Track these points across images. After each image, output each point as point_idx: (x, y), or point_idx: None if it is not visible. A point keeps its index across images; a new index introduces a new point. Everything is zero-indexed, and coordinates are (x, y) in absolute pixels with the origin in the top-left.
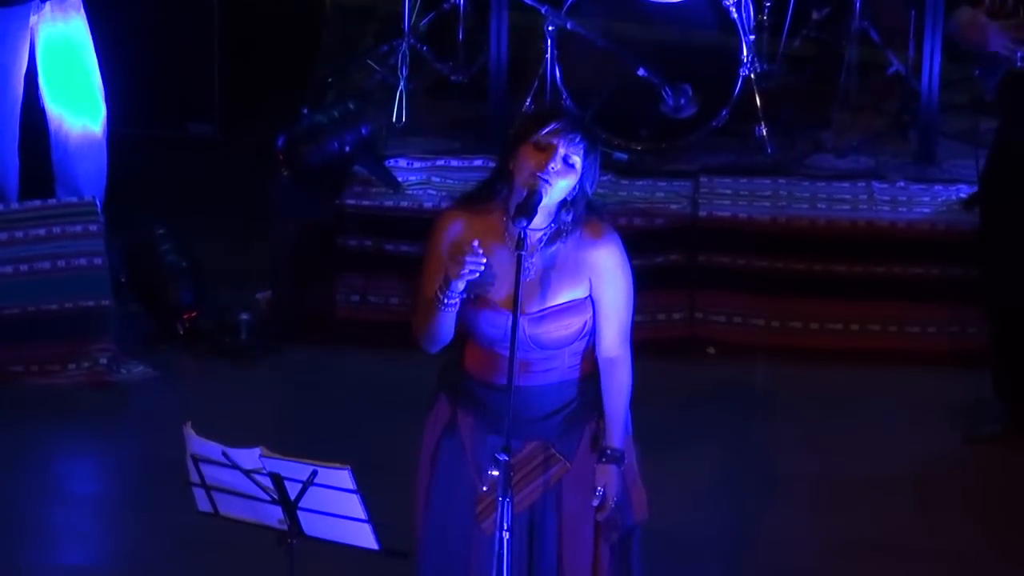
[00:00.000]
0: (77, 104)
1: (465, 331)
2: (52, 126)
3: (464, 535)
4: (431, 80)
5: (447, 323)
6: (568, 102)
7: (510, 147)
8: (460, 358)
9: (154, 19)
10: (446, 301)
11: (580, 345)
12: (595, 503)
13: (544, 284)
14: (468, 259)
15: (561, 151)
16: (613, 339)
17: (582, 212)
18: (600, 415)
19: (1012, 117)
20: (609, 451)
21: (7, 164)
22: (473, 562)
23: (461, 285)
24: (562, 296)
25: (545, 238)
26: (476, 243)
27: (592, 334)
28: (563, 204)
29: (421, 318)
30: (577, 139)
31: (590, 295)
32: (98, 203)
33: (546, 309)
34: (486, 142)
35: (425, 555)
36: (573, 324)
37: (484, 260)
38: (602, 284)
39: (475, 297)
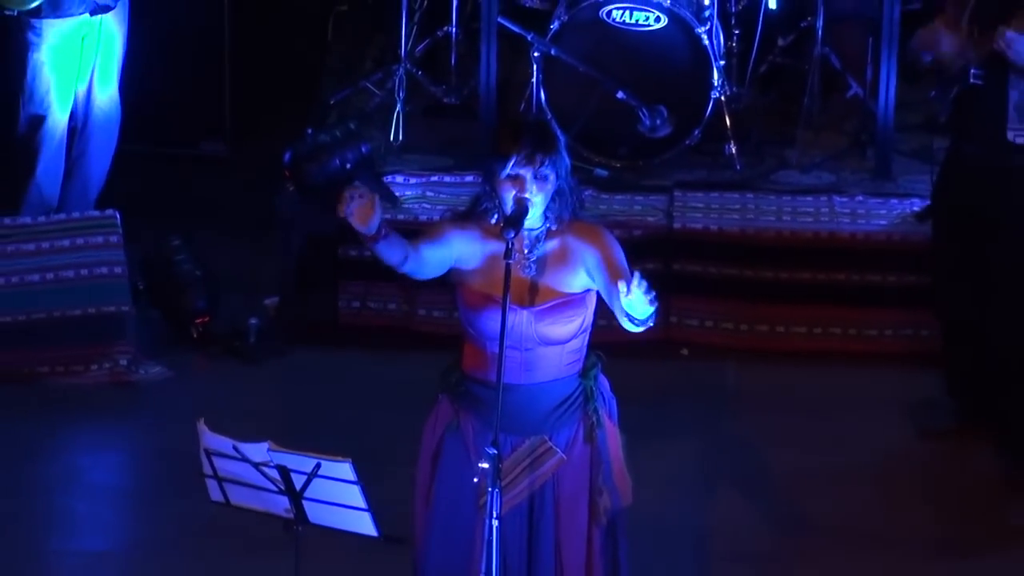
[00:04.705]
0: (105, 93)
1: (466, 330)
2: (78, 106)
3: (468, 528)
4: (426, 102)
5: (387, 254)
6: (553, 122)
7: (489, 178)
8: (459, 361)
9: (168, 45)
10: (371, 241)
11: (577, 343)
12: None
13: (545, 279)
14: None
15: (529, 176)
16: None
17: (568, 201)
18: (594, 409)
19: (961, 133)
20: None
21: (53, 174)
22: (477, 551)
23: (363, 223)
24: (563, 287)
25: (542, 234)
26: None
27: (588, 332)
28: (552, 199)
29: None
30: (538, 158)
31: (592, 292)
32: (118, 217)
33: (550, 302)
34: (477, 159)
35: (429, 549)
36: (575, 318)
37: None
38: (602, 257)
39: (479, 295)
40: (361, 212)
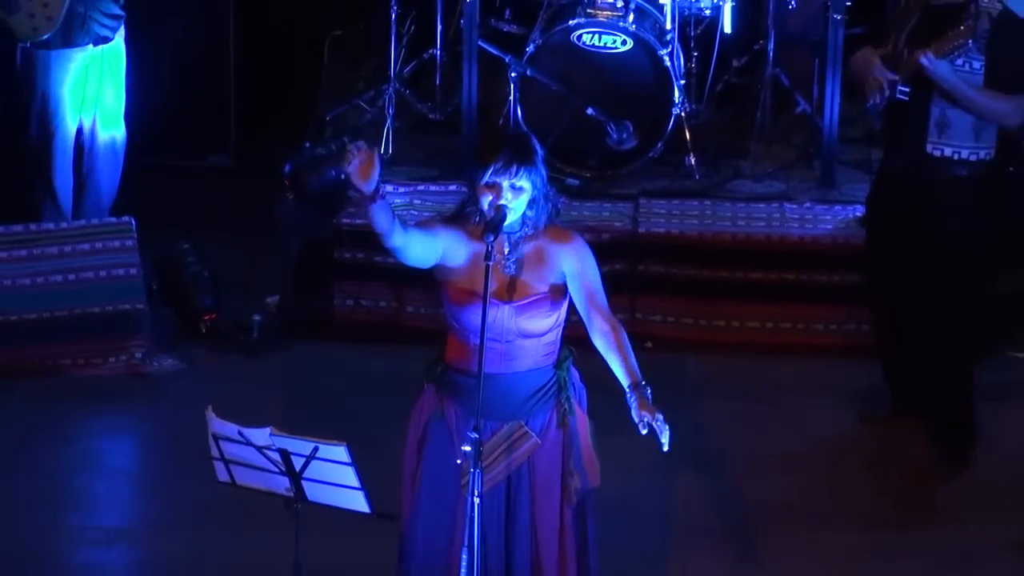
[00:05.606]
0: (109, 114)
1: (451, 325)
2: (84, 127)
3: (451, 507)
4: (413, 118)
5: (378, 219)
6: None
7: (472, 184)
8: (443, 354)
9: (178, 67)
10: (368, 201)
11: (551, 336)
12: (660, 432)
13: (524, 277)
14: (358, 154)
15: (505, 184)
16: (604, 312)
17: (544, 208)
18: (566, 397)
19: (889, 145)
20: (640, 384)
21: (65, 187)
22: (459, 528)
23: (364, 179)
24: (541, 285)
25: (520, 238)
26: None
27: (562, 326)
28: (528, 206)
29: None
30: (515, 168)
31: (566, 290)
32: (133, 223)
33: (529, 298)
34: (460, 171)
35: (415, 525)
36: (551, 313)
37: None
38: (580, 271)
39: (464, 292)
40: (363, 168)
